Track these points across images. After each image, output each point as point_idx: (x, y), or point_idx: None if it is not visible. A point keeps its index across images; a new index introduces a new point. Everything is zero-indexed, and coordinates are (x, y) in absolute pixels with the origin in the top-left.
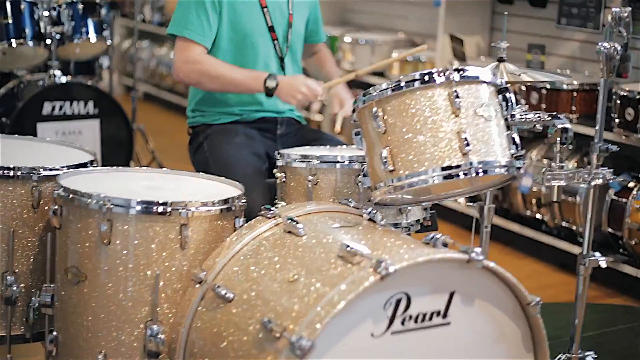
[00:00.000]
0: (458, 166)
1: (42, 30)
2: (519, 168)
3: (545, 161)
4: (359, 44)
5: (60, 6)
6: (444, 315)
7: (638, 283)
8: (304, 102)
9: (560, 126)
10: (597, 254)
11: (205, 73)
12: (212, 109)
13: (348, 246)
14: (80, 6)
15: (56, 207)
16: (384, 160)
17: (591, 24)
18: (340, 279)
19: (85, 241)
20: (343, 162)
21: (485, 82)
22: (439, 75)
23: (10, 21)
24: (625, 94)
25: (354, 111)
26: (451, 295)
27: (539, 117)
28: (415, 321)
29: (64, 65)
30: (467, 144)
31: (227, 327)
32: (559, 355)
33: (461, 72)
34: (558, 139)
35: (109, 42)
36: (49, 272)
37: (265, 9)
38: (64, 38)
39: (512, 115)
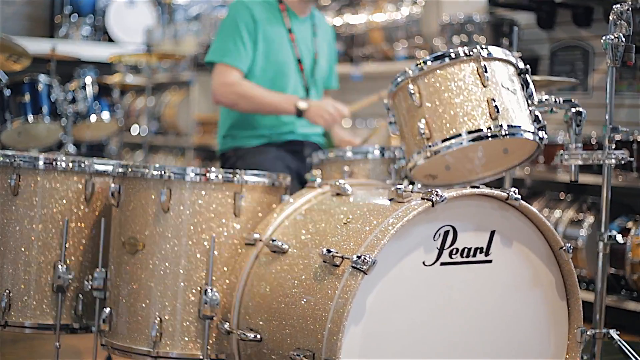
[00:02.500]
0: (489, 128)
1: (58, 109)
2: (542, 138)
3: (545, 212)
4: (357, 127)
5: (75, 88)
6: (487, 253)
7: None
8: (331, 122)
9: (574, 110)
10: (613, 231)
11: (242, 94)
12: (243, 133)
13: (399, 189)
14: (94, 87)
15: (114, 185)
16: (421, 130)
17: (581, 87)
18: (393, 211)
19: (144, 211)
20: (374, 152)
21: (508, 62)
22: (468, 52)
23: (27, 100)
24: (619, 137)
25: (388, 97)
26: (492, 233)
27: (555, 100)
28: (462, 255)
29: (76, 147)
30: (497, 110)
31: (284, 276)
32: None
33: (488, 50)
34: (573, 121)
35: (121, 123)
36: (102, 257)
37: (294, 43)
38: (79, 117)
39: (531, 95)
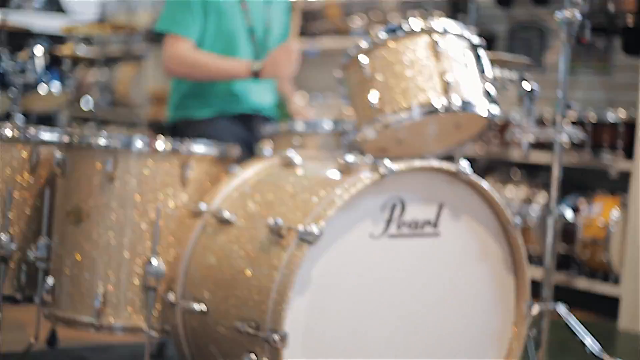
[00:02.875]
0: (440, 102)
1: (7, 81)
2: (494, 114)
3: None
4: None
5: (25, 58)
6: (435, 226)
7: (592, 296)
8: (290, 70)
9: (526, 86)
10: (563, 208)
11: (193, 64)
12: (193, 103)
13: (348, 161)
14: (45, 58)
15: (59, 155)
16: (372, 103)
17: (536, 67)
18: (341, 183)
19: (89, 181)
20: (326, 125)
21: (462, 37)
22: (421, 26)
23: None
24: (574, 116)
25: (340, 69)
26: (441, 207)
27: (509, 76)
28: (409, 227)
29: (25, 118)
30: (449, 84)
31: (230, 247)
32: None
33: (442, 24)
34: (526, 98)
35: (71, 94)
36: (46, 227)
37: (245, 12)
38: (28, 88)
39: (484, 71)
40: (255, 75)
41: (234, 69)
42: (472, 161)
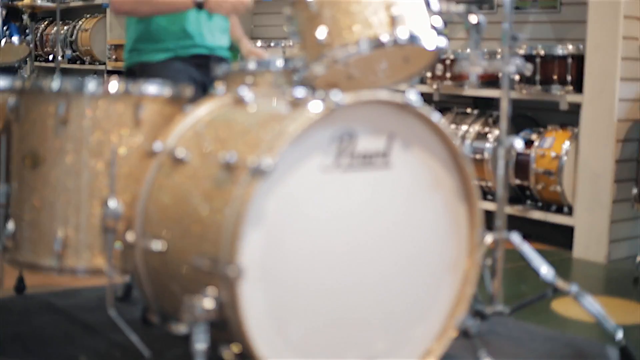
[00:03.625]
0: (388, 35)
1: None
2: (441, 47)
3: (452, 127)
4: (271, 47)
5: None
6: (385, 156)
7: (547, 227)
8: (233, 10)
9: (474, 19)
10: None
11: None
12: (148, 46)
13: (297, 97)
14: (3, 11)
15: (13, 100)
16: (320, 38)
17: (486, 5)
18: (290, 116)
19: (43, 125)
20: (277, 64)
21: None
22: None
23: None
24: (522, 51)
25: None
26: (391, 137)
27: (455, 10)
28: (361, 159)
29: None
30: (395, 18)
31: (185, 185)
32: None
33: None
34: (473, 30)
35: (31, 46)
36: (4, 172)
37: None
38: None
39: (430, 4)
40: (199, 5)
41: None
42: (426, 98)
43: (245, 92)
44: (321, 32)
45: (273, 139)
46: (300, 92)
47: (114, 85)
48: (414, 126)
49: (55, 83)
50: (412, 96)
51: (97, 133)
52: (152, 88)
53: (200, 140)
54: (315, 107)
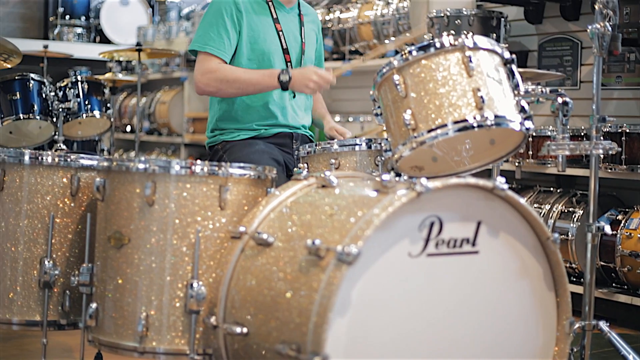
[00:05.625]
0: (475, 119)
1: (50, 107)
2: (528, 129)
3: (535, 206)
4: (349, 122)
5: (66, 85)
6: (473, 244)
7: (633, 311)
8: (317, 89)
9: (561, 100)
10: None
11: (223, 79)
12: (231, 126)
13: (384, 180)
14: (85, 85)
15: (99, 179)
16: (407, 121)
17: (569, 81)
18: (378, 202)
19: (129, 205)
20: (361, 145)
21: (494, 52)
22: (453, 42)
23: (18, 98)
24: (608, 129)
25: (373, 88)
26: (478, 224)
27: (542, 91)
28: (448, 246)
29: (67, 145)
30: (483, 100)
31: (269, 268)
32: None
33: (473, 40)
34: (560, 112)
35: (112, 120)
36: (88, 252)
37: (280, 33)
38: (70, 115)
39: (517, 86)
40: (284, 86)
41: (263, 77)
42: (508, 176)
43: (330, 175)
44: (408, 114)
45: (360, 225)
46: (386, 176)
47: (199, 166)
48: (502, 211)
49: (141, 163)
50: (500, 180)
51: (182, 214)
52: (236, 169)
53: (285, 223)
54: (403, 192)
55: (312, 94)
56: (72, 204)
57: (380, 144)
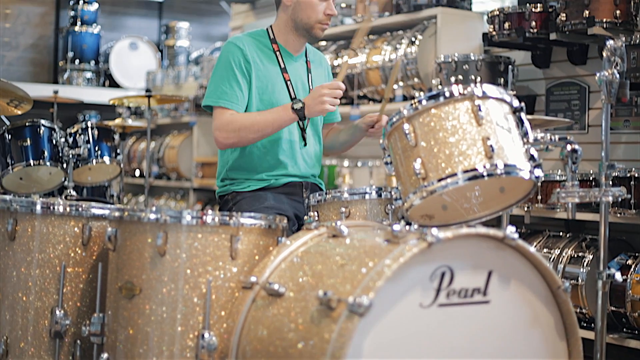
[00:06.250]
0: (484, 167)
1: (60, 153)
2: (538, 177)
3: (545, 251)
4: (358, 167)
5: (76, 132)
6: (484, 293)
7: None
8: (333, 100)
9: (570, 147)
10: (612, 269)
11: (241, 127)
12: (240, 177)
13: (395, 230)
14: (95, 131)
15: (111, 229)
16: (417, 170)
17: (577, 125)
18: (389, 253)
19: (141, 255)
20: (371, 193)
21: (503, 100)
22: (462, 91)
23: (29, 144)
24: (616, 173)
25: (383, 137)
26: (489, 273)
27: (551, 138)
28: (459, 295)
29: (77, 190)
30: (492, 149)
31: (281, 319)
32: None
33: (482, 88)
34: (569, 159)
35: (121, 166)
36: (99, 302)
37: (288, 82)
38: (80, 161)
39: (526, 134)
40: (299, 113)
41: (278, 113)
42: (517, 221)
43: (340, 224)
44: (418, 163)
45: (371, 276)
46: (397, 226)
47: (210, 216)
48: (512, 260)
49: (153, 214)
50: (510, 229)
51: (194, 264)
52: (247, 219)
53: (296, 273)
54: (414, 242)
55: (333, 110)
56: (84, 253)
57: (390, 192)
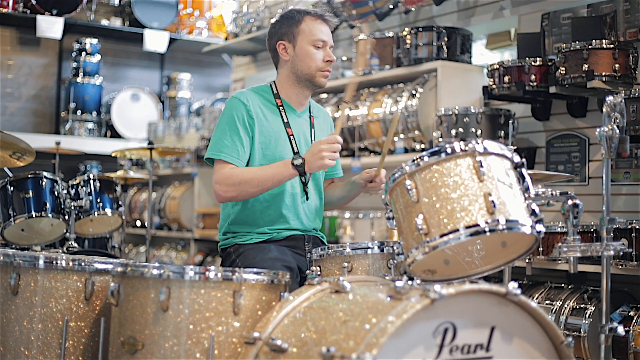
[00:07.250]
0: (486, 223)
1: (62, 205)
2: (540, 232)
3: (547, 302)
4: (359, 218)
5: (78, 183)
6: (487, 349)
7: None
8: (332, 155)
9: (571, 202)
10: (614, 322)
11: (241, 181)
12: (243, 230)
13: (398, 286)
14: (97, 183)
15: (114, 284)
16: (419, 226)
17: (578, 177)
18: (392, 309)
19: (144, 310)
20: (374, 248)
21: (504, 156)
22: (464, 147)
23: (31, 196)
24: (617, 225)
25: (385, 192)
26: (492, 329)
27: (552, 193)
28: (462, 352)
29: (79, 242)
30: (494, 205)
31: None
32: None
33: (483, 145)
34: (570, 213)
35: (123, 218)
36: (102, 356)
37: (291, 137)
38: (81, 213)
39: (527, 189)
40: (299, 169)
41: (278, 168)
42: (518, 273)
43: (343, 280)
44: (420, 219)
45: (374, 333)
46: (399, 282)
47: (212, 272)
48: (515, 316)
49: (155, 269)
50: (513, 285)
51: (196, 319)
52: (250, 275)
53: (299, 329)
54: (416, 299)
55: (333, 164)
56: (86, 308)
57: (392, 247)
